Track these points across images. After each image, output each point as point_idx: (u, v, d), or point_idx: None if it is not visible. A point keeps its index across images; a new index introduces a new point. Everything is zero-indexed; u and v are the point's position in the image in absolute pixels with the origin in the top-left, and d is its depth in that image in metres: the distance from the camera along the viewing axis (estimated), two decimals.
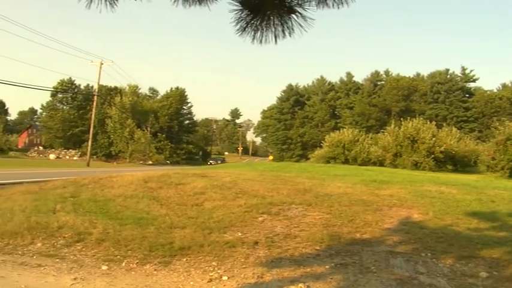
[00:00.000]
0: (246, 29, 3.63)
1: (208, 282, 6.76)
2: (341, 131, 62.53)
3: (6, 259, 7.50)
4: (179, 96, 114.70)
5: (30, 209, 10.54)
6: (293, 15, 3.53)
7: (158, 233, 9.08)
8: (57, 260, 7.61)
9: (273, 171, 24.10)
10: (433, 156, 48.19)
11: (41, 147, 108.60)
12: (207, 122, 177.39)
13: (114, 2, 3.57)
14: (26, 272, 6.89)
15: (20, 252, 7.95)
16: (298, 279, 6.71)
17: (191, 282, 6.76)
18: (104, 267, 7.29)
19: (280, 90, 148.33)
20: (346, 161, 53.95)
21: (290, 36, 3.61)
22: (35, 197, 12.19)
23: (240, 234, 9.21)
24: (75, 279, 6.63)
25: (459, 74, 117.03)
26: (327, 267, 7.33)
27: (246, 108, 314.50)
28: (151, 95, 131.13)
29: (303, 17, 3.51)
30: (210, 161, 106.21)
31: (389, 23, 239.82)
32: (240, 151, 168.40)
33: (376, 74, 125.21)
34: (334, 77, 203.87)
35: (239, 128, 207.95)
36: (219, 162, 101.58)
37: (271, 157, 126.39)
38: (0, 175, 26.57)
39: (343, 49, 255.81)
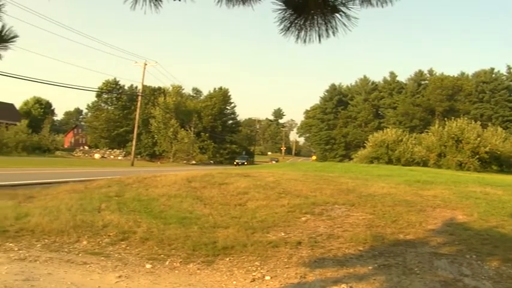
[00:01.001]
0: (290, 29, 3.61)
1: (251, 282, 6.76)
2: (384, 131, 61.77)
3: (53, 256, 7.61)
4: (222, 96, 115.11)
5: (76, 207, 10.69)
6: (337, 15, 3.50)
7: (201, 233, 9.11)
8: (102, 258, 7.70)
9: (316, 171, 23.99)
10: (477, 156, 47.29)
11: (86, 147, 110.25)
12: (250, 122, 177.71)
13: (159, 3, 3.59)
14: (72, 269, 6.98)
15: (66, 250, 8.06)
16: (341, 280, 6.66)
17: (234, 282, 6.76)
18: (148, 266, 7.35)
19: (323, 89, 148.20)
20: (389, 161, 53.26)
21: (334, 35, 3.58)
22: (80, 196, 12.36)
23: (283, 234, 9.19)
24: (119, 277, 6.70)
25: (505, 73, 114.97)
26: (370, 268, 7.26)
27: (289, 108, 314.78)
28: (194, 95, 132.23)
29: (347, 16, 3.47)
30: (237, 161, 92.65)
31: (433, 22, 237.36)
32: (283, 151, 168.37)
33: (419, 74, 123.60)
34: (377, 76, 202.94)
35: (282, 128, 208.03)
36: (245, 162, 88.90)
37: (314, 157, 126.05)
38: (47, 174, 27.05)
39: (386, 48, 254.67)
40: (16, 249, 7.97)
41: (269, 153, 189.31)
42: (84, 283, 6.31)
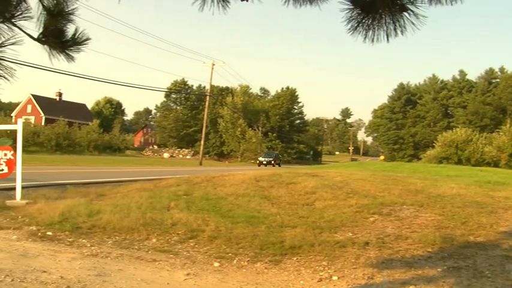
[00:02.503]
0: (358, 28, 3.57)
1: (318, 281, 6.72)
2: (454, 130, 60.62)
3: (123, 253, 7.76)
4: (290, 96, 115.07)
5: (145, 205, 10.86)
6: (405, 13, 3.44)
7: (269, 232, 9.12)
8: (171, 255, 7.79)
9: (384, 171, 23.72)
10: None
11: (155, 146, 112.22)
12: (317, 122, 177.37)
13: (226, 4, 3.61)
14: (142, 266, 7.09)
15: (136, 247, 8.20)
16: (409, 282, 6.55)
17: (301, 282, 6.74)
18: (216, 264, 7.40)
19: (391, 88, 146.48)
20: (459, 162, 52.15)
21: (402, 34, 3.52)
22: (150, 194, 12.55)
23: (350, 234, 9.11)
24: (188, 274, 6.76)
25: None
26: (439, 270, 7.11)
27: (356, 108, 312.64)
28: (262, 95, 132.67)
29: (415, 14, 3.41)
30: (260, 159, 75.75)
31: (503, 19, 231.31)
32: (351, 151, 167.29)
33: (490, 72, 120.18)
34: (446, 75, 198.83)
35: (350, 127, 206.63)
36: (273, 161, 72.96)
37: (382, 157, 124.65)
38: (118, 173, 27.63)
39: (455, 47, 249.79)
40: (88, 245, 8.16)
41: (337, 152, 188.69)
42: (153, 280, 6.40)
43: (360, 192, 12.98)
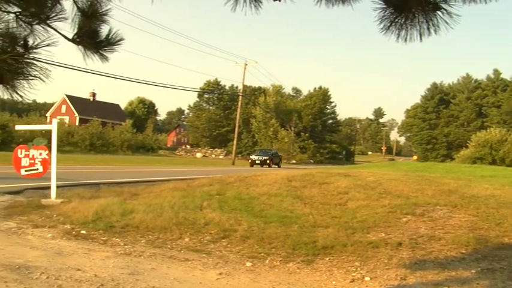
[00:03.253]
0: (390, 28, 3.56)
1: (351, 282, 6.68)
2: (488, 130, 59.95)
3: (156, 252, 7.81)
4: (322, 96, 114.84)
5: (178, 205, 10.90)
6: (438, 12, 3.42)
7: (301, 232, 9.10)
8: (204, 255, 7.82)
9: (417, 172, 23.54)
10: None
11: (188, 146, 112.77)
12: (350, 122, 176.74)
13: (259, 4, 3.61)
14: (175, 265, 7.13)
15: (169, 246, 8.25)
16: (442, 283, 6.48)
17: (333, 282, 6.71)
18: (248, 264, 7.40)
19: (424, 88, 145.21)
20: (493, 162, 51.44)
21: (435, 33, 3.50)
22: (183, 194, 12.61)
23: (383, 234, 9.05)
24: (220, 274, 6.78)
25: None
26: (472, 271, 7.02)
27: (389, 107, 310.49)
28: (294, 94, 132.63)
29: (449, 13, 3.38)
30: (253, 157, 64.61)
31: None
32: (383, 151, 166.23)
33: None
34: (480, 74, 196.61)
35: (383, 127, 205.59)
36: (268, 160, 61.90)
37: (415, 157, 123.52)
38: (151, 172, 27.84)
39: (489, 46, 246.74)
40: (122, 244, 8.23)
41: (369, 152, 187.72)
42: (186, 279, 6.43)
43: (392, 193, 12.89)
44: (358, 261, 7.50)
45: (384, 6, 3.53)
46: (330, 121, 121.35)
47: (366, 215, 10.49)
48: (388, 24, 3.55)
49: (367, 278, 6.77)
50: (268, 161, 61.68)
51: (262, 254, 7.93)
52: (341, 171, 18.76)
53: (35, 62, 3.44)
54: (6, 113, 69.21)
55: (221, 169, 40.56)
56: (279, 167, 61.94)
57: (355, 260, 7.56)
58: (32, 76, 3.43)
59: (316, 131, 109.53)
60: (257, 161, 61.95)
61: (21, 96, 3.49)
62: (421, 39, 3.56)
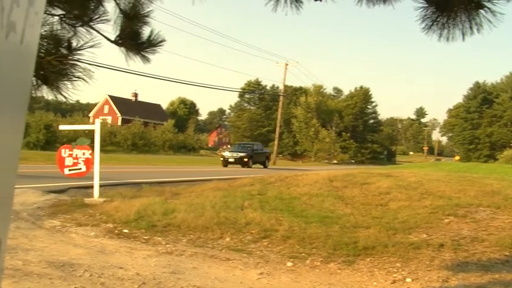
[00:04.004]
0: (432, 27, 3.53)
1: (392, 283, 6.63)
2: None
3: (197, 251, 7.86)
4: (363, 96, 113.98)
5: (219, 205, 10.94)
6: (481, 11, 3.37)
7: (342, 232, 9.05)
8: (244, 254, 7.84)
9: (459, 172, 23.23)
10: None
11: (229, 146, 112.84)
12: (391, 121, 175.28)
13: (299, 4, 3.62)
14: (216, 264, 7.17)
15: (210, 246, 8.29)
16: (485, 286, 6.38)
17: (374, 283, 6.67)
18: (289, 264, 7.40)
19: (467, 88, 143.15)
20: None
21: (478, 32, 3.45)
22: (224, 194, 12.65)
23: (425, 235, 8.95)
24: (261, 273, 6.79)
25: None
26: None
27: (431, 107, 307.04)
28: (335, 94, 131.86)
29: (492, 12, 3.34)
30: (225, 154, 47.56)
31: None
32: (425, 151, 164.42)
33: None
34: None
35: (424, 127, 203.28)
36: (246, 158, 44.16)
37: (457, 157, 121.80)
38: (192, 172, 28.04)
39: None
40: (163, 243, 8.31)
41: (411, 153, 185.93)
42: (227, 278, 6.46)
43: (434, 193, 12.73)
44: (399, 262, 7.44)
45: (426, 5, 3.50)
46: (371, 121, 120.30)
47: (407, 216, 10.38)
48: (430, 24, 3.53)
49: (408, 280, 6.72)
50: (245, 159, 44.50)
51: (303, 254, 7.92)
52: (382, 172, 18.59)
53: (78, 63, 3.50)
54: (50, 113, 70.47)
55: (262, 169, 40.62)
56: (264, 167, 46.98)
57: (396, 261, 7.49)
58: (76, 77, 3.49)
59: (358, 131, 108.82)
60: (230, 159, 44.93)
61: (65, 96, 3.55)
62: (463, 38, 3.52)
